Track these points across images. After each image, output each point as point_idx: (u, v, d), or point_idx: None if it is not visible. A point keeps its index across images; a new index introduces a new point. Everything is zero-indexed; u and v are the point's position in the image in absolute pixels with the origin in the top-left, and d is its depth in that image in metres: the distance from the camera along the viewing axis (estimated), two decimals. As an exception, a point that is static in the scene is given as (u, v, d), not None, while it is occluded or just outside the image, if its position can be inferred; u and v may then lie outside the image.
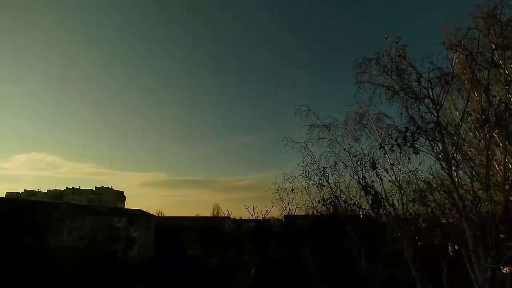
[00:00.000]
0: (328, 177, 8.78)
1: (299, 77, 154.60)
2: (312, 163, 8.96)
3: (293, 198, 9.07)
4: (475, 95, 6.93)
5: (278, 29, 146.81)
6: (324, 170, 8.73)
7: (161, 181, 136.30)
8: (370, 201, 8.18)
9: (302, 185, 8.96)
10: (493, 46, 5.84)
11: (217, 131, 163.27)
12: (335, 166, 8.76)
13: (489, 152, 6.29)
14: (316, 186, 8.70)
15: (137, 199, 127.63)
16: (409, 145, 6.75)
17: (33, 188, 75.79)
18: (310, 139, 9.00)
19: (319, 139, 9.05)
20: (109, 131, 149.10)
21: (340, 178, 8.98)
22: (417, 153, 6.95)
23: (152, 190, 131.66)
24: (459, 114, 8.13)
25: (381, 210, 8.51)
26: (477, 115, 7.05)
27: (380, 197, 8.25)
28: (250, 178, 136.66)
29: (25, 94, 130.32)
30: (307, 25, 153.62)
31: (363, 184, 8.16)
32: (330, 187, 8.83)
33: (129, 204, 75.59)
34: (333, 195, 8.78)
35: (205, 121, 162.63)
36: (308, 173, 8.81)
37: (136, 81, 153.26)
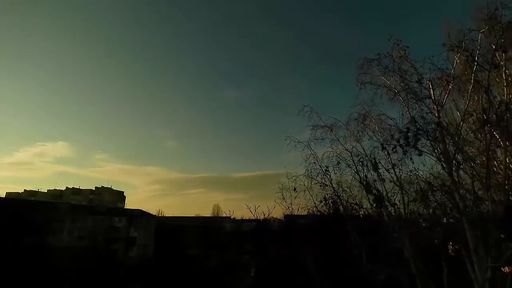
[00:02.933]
0: (330, 177, 8.86)
1: (297, 79, 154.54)
2: (314, 163, 9.04)
3: (295, 197, 9.16)
4: (475, 95, 6.97)
5: (276, 33, 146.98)
6: (327, 169, 8.80)
7: (158, 180, 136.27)
8: (371, 201, 8.24)
9: (304, 185, 9.05)
10: (494, 47, 5.90)
11: (217, 130, 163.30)
12: (338, 165, 8.83)
13: (490, 152, 6.33)
14: (320, 186, 8.77)
15: (137, 198, 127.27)
16: (411, 145, 6.79)
17: (33, 188, 75.75)
18: (317, 139, 9.10)
19: (322, 139, 9.14)
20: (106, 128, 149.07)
21: (342, 177, 9.06)
22: (420, 155, 6.99)
23: (152, 188, 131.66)
24: (460, 114, 8.17)
25: (382, 209, 8.55)
26: (478, 115, 7.10)
27: (382, 196, 8.28)
28: (249, 178, 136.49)
29: (29, 93, 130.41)
30: (306, 26, 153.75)
31: (365, 183, 8.21)
32: (332, 186, 8.90)
33: (130, 204, 75.62)
34: (335, 194, 8.85)
35: (205, 120, 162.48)
36: (311, 172, 8.89)
37: (135, 82, 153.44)
